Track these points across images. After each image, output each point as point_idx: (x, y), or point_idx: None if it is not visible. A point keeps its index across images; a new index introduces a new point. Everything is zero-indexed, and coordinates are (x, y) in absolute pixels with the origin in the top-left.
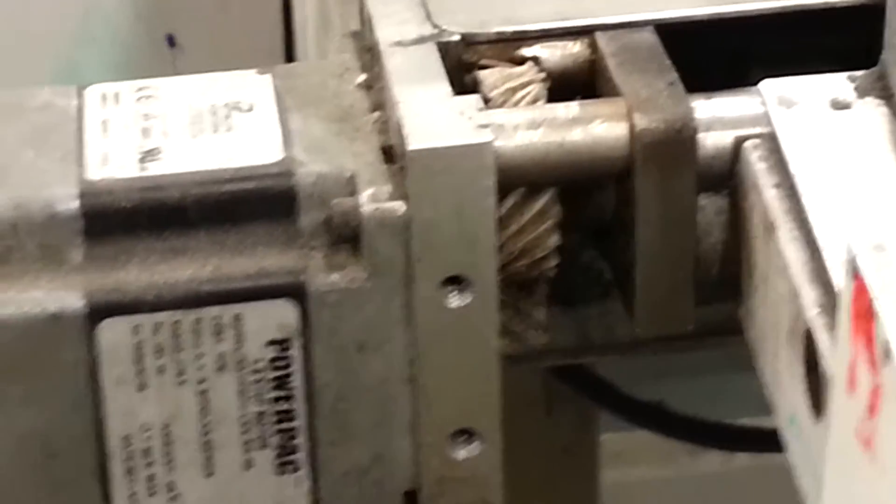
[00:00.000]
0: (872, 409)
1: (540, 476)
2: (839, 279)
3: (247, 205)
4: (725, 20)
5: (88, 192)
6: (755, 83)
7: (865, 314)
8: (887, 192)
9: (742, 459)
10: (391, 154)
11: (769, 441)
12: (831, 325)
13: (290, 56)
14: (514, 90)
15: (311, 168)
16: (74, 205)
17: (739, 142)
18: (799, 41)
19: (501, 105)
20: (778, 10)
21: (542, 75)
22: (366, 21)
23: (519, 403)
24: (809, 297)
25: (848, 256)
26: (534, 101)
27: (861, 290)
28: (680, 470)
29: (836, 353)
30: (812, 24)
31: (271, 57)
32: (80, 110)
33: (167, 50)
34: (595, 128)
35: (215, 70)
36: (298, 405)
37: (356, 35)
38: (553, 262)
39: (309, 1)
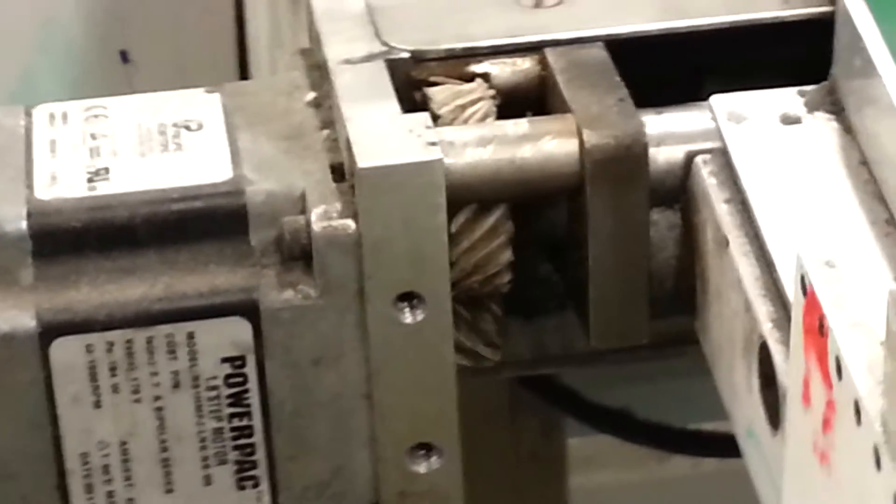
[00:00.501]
0: (827, 423)
1: (507, 483)
2: (791, 294)
3: (197, 223)
4: (676, 35)
5: (37, 212)
6: (708, 97)
7: (817, 330)
8: (837, 208)
9: (710, 463)
10: (341, 172)
11: (736, 446)
12: (785, 340)
13: (243, 71)
14: (464, 107)
15: (260, 186)
16: (22, 225)
17: (691, 157)
18: (751, 55)
19: (451, 122)
20: (729, 24)
21: (492, 92)
22: (315, 38)
23: (483, 411)
24: (762, 311)
25: (798, 272)
26: (483, 118)
27: (812, 306)
28: (648, 474)
29: (790, 368)
30: (763, 37)
31: (225, 72)
32: (28, 130)
33: (120, 65)
34: (545, 144)
35: (169, 85)
36: (255, 421)
37: (306, 52)
38: (506, 277)
39: (262, 16)
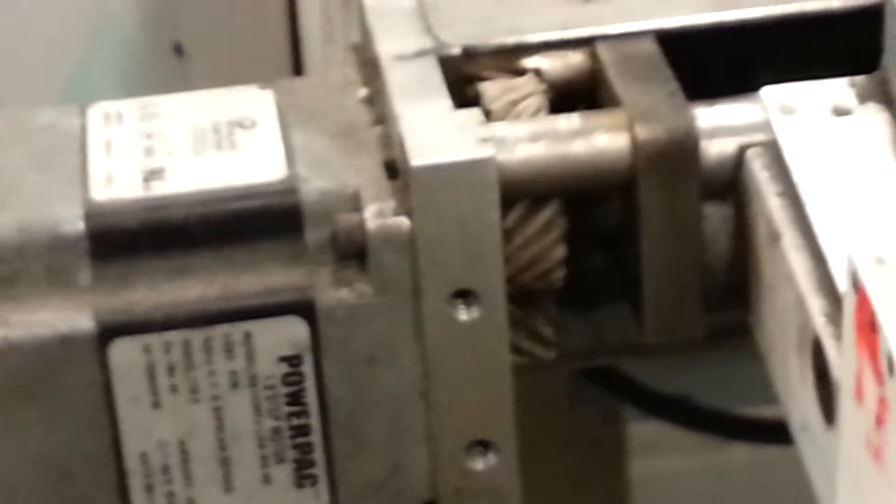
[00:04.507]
0: (880, 420)
1: (567, 471)
2: (844, 288)
3: (252, 223)
4: (727, 27)
5: (93, 214)
6: (759, 89)
7: (868, 327)
8: (888, 201)
9: (770, 451)
10: (394, 168)
11: None
12: (838, 335)
13: (296, 64)
14: (515, 102)
15: (314, 184)
16: (80, 226)
17: (742, 149)
18: (801, 46)
19: (502, 117)
20: (779, 15)
21: (544, 86)
22: (366, 34)
23: (543, 400)
24: (815, 305)
25: (849, 269)
26: (535, 113)
27: (863, 304)
28: (708, 461)
29: (843, 365)
30: (814, 29)
31: (277, 65)
32: (83, 130)
33: (174, 58)
34: (597, 139)
35: (223, 78)
36: (313, 419)
37: (357, 48)
38: (560, 273)
39: (314, 10)
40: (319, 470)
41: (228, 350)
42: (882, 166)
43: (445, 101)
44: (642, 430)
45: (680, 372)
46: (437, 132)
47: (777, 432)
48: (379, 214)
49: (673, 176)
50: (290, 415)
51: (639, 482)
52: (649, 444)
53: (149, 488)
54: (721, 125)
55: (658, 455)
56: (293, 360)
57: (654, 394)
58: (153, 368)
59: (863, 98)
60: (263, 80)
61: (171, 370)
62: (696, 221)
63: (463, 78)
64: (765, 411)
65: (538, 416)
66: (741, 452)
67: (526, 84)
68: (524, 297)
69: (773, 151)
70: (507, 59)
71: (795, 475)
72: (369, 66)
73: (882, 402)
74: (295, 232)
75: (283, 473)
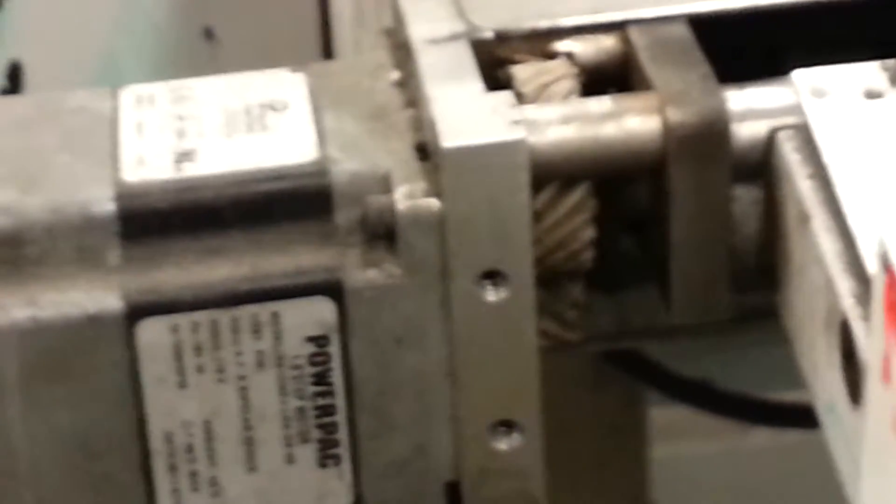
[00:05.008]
0: None
1: (589, 454)
2: (873, 270)
3: (282, 204)
4: (759, 11)
5: (124, 194)
6: (791, 73)
7: None
8: None
9: (792, 435)
10: (425, 151)
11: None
12: (866, 316)
13: (327, 48)
14: (547, 85)
15: (345, 166)
16: (111, 207)
17: (773, 132)
18: (833, 31)
19: (534, 100)
20: (811, 1)
21: (575, 70)
22: (398, 18)
23: (566, 382)
24: (844, 287)
25: (879, 250)
26: (566, 96)
27: (893, 285)
28: (730, 445)
29: (871, 345)
30: (846, 13)
31: (308, 49)
32: (114, 112)
33: (204, 42)
34: (628, 122)
35: (253, 62)
36: (338, 400)
37: (389, 32)
38: (589, 254)
39: None
40: (343, 450)
41: (256, 330)
42: None
43: (477, 84)
44: (664, 414)
45: (702, 356)
46: (468, 114)
47: (798, 417)
48: (409, 196)
49: (703, 158)
50: (316, 395)
51: (660, 466)
52: (671, 427)
53: (172, 468)
54: (752, 108)
55: (680, 439)
56: (320, 341)
57: (676, 378)
58: (180, 348)
59: (895, 81)
60: (294, 64)
61: (197, 350)
62: (725, 203)
63: (495, 61)
64: (786, 396)
65: (560, 398)
66: (763, 437)
67: (558, 67)
68: (553, 278)
69: (803, 134)
70: (539, 42)
71: (817, 459)
72: (401, 50)
73: None
74: (325, 213)
75: (307, 453)
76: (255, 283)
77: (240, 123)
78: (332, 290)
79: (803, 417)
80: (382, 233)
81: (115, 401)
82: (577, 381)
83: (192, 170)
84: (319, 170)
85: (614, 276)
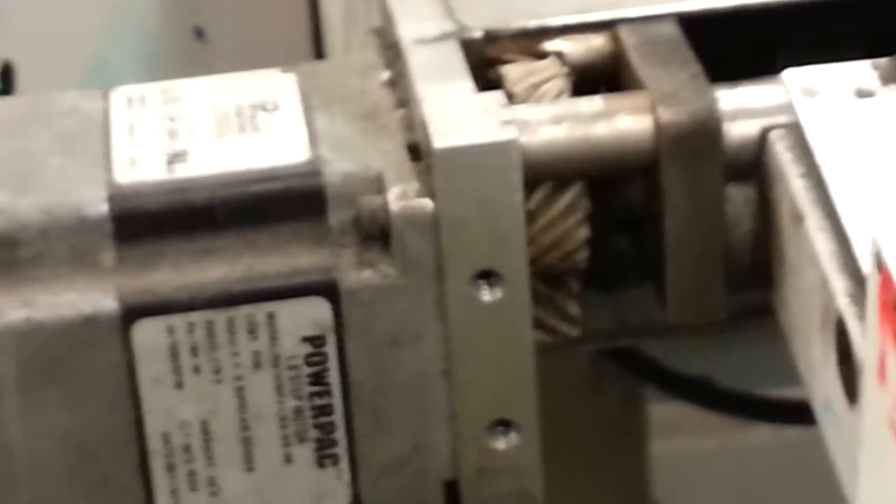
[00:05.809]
0: None
1: (588, 451)
2: (867, 269)
3: (275, 205)
4: (748, 9)
5: (117, 196)
6: (781, 72)
7: (892, 307)
8: None
9: (792, 432)
10: (417, 151)
11: None
12: (861, 315)
13: (317, 48)
14: (538, 85)
15: (338, 167)
16: (103, 208)
17: (765, 131)
18: (823, 29)
19: (525, 100)
20: None
21: (566, 69)
22: (387, 17)
23: (565, 380)
24: (839, 286)
25: (873, 249)
26: (557, 96)
27: (887, 282)
28: (730, 442)
29: (866, 344)
30: (836, 11)
31: (299, 49)
32: (106, 114)
33: (195, 42)
34: (620, 122)
35: (244, 63)
36: (335, 399)
37: (379, 31)
38: (583, 254)
39: None
40: (341, 449)
41: (252, 331)
42: None
43: (468, 83)
44: (664, 411)
45: (701, 353)
46: (459, 115)
47: (798, 413)
48: (402, 196)
49: (695, 158)
50: (313, 395)
51: (660, 463)
52: (671, 424)
53: (170, 468)
54: (743, 107)
55: (679, 436)
56: (316, 341)
57: (675, 375)
58: (176, 349)
59: (885, 80)
60: (285, 65)
61: (194, 351)
62: (718, 203)
63: (485, 61)
64: (786, 392)
65: (560, 396)
66: (762, 433)
67: (548, 67)
68: (548, 277)
69: (795, 133)
70: (529, 42)
71: (817, 456)
72: (391, 50)
73: None
74: (318, 214)
75: (304, 453)
76: (251, 284)
77: (231, 124)
78: (328, 290)
79: (803, 414)
80: (376, 233)
81: (111, 401)
82: (576, 380)
83: (184, 171)
84: (312, 170)
85: (611, 274)
